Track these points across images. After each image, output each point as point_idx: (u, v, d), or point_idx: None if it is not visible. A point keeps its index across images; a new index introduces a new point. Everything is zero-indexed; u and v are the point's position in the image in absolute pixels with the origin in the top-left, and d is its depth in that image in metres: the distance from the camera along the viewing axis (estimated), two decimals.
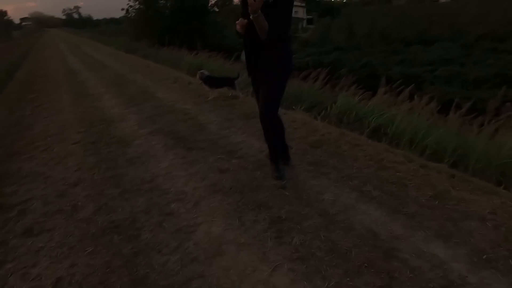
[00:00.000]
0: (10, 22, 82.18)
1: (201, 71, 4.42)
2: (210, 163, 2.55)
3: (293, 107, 4.15)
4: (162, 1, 18.59)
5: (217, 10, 19.47)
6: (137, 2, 18.50)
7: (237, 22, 1.89)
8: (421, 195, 1.91)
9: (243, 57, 2.13)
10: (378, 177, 2.16)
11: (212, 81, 4.33)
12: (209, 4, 19.20)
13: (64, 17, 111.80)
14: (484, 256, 1.45)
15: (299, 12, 50.94)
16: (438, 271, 1.39)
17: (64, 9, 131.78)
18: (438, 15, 30.80)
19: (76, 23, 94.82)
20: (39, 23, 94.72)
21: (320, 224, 1.74)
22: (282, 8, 1.85)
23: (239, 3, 2.06)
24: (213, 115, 3.73)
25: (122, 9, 19.31)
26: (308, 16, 50.77)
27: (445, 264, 1.42)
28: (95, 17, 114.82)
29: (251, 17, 1.75)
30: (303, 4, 54.04)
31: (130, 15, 19.28)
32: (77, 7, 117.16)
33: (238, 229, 1.77)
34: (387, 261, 1.47)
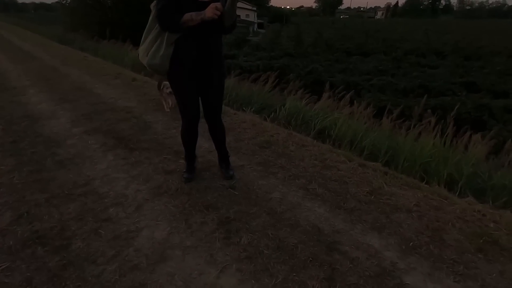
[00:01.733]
0: None
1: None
2: (155, 164, 2.40)
3: (244, 108, 4.18)
4: None
5: None
6: None
7: (212, 5, 1.63)
8: (359, 191, 2.07)
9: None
10: (322, 176, 2.28)
11: None
12: None
13: None
14: (411, 244, 1.62)
15: (250, 15, 51.88)
16: (373, 260, 1.51)
17: None
18: (373, 30, 34.31)
19: None
20: None
21: (268, 222, 1.76)
22: None
23: None
24: (159, 114, 3.54)
25: None
26: (259, 21, 51.92)
27: (379, 253, 1.55)
28: (20, 0, 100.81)
29: None
30: (254, 8, 55.21)
31: (65, 1, 17.39)
32: None
33: (184, 232, 1.69)
34: (330, 254, 1.54)
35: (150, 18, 1.81)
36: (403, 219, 1.81)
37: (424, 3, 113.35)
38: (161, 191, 2.06)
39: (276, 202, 1.94)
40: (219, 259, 1.51)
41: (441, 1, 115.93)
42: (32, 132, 3.01)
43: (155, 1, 1.76)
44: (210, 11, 1.62)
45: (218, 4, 1.64)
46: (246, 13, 52.31)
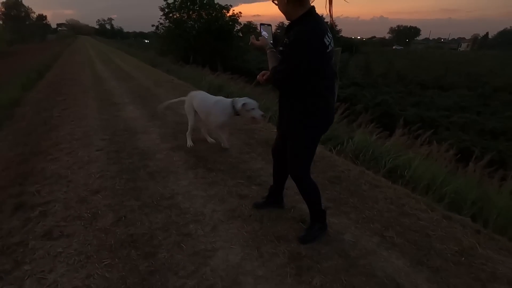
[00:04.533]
0: (47, 26, 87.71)
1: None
2: (229, 187, 2.56)
3: None
4: (191, 22, 19.67)
5: (241, 35, 20.36)
6: (167, 21, 19.63)
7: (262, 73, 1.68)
8: (446, 249, 1.86)
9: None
10: (400, 223, 2.12)
11: None
12: (234, 30, 20.18)
13: (97, 27, 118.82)
14: None
15: None
16: None
17: (98, 19, 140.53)
18: (455, 63, 31.35)
19: (106, 33, 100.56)
20: (73, 30, 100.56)
21: (340, 266, 1.70)
22: (287, 53, 1.52)
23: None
24: (233, 138, 3.79)
25: (153, 25, 20.47)
26: None
27: None
28: (125, 30, 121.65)
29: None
30: None
31: (159, 31, 20.37)
32: (110, 19, 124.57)
33: (256, 260, 1.74)
34: None
35: None
36: None
37: None
38: (235, 214, 2.18)
39: (349, 245, 1.88)
40: None
41: None
42: (130, 144, 3.52)
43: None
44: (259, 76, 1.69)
45: (265, 72, 1.66)
46: None
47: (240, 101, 2.87)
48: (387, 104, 13.40)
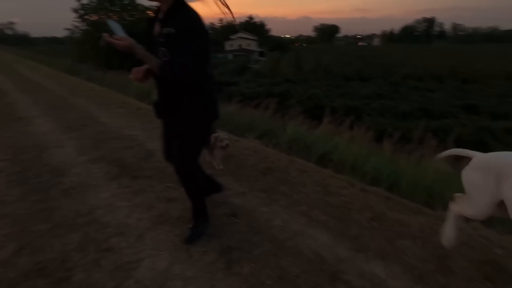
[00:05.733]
0: None
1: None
2: (158, 192, 2.42)
3: (246, 134, 4.25)
4: None
5: None
6: (84, 24, 17.80)
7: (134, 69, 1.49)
8: (362, 218, 2.06)
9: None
10: (325, 202, 2.27)
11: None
12: None
13: None
14: (417, 272, 1.59)
15: (251, 45, 54.16)
16: None
17: None
18: (371, 56, 35.41)
19: (7, 39, 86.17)
20: None
21: (270, 251, 1.74)
22: (182, 40, 1.40)
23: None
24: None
25: (66, 29, 18.37)
26: (260, 49, 54.05)
27: (384, 283, 1.52)
28: (33, 35, 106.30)
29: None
30: (255, 38, 57.72)
31: (74, 35, 18.37)
32: (11, 23, 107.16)
33: (186, 262, 1.67)
34: (333, 284, 1.51)
35: None
36: (407, 246, 1.79)
37: (419, 29, 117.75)
38: (163, 219, 2.06)
39: (279, 230, 1.93)
40: None
41: (435, 28, 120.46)
42: (39, 161, 3.07)
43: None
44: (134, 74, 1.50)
45: (134, 69, 1.49)
46: (247, 42, 54.68)
47: None
48: (318, 97, 14.41)
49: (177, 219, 2.05)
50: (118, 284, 1.53)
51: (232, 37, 56.83)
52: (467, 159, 1.44)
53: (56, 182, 2.63)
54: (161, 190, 2.46)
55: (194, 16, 1.42)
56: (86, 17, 17.60)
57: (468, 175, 1.39)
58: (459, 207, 1.49)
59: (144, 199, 2.33)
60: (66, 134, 3.97)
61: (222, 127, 4.57)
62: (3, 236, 1.92)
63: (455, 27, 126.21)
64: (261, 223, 2.01)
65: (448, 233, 1.55)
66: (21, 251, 1.79)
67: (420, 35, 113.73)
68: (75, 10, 17.47)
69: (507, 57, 34.53)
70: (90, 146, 3.46)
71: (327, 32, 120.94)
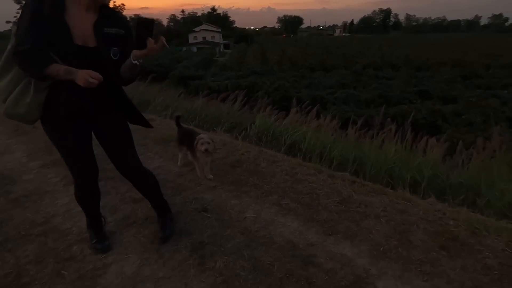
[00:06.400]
0: None
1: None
2: (122, 193, 2.30)
3: (214, 128, 4.19)
4: None
5: None
6: None
7: (84, 73, 1.22)
8: (330, 202, 2.13)
9: None
10: (294, 190, 2.31)
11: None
12: None
13: None
14: (381, 249, 1.68)
15: (216, 37, 53.13)
16: (348, 269, 1.54)
17: None
18: (333, 47, 36.53)
19: None
20: None
21: (242, 243, 1.74)
22: (129, 40, 1.42)
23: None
24: None
25: (8, 22, 16.60)
26: (225, 41, 53.25)
27: (352, 262, 1.59)
28: None
29: (136, 62, 1.35)
30: (219, 30, 56.69)
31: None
32: None
33: (156, 262, 1.61)
34: (306, 268, 1.55)
35: (8, 47, 1.31)
36: (372, 225, 1.88)
37: (377, 20, 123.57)
38: (130, 221, 1.96)
39: (250, 221, 1.93)
40: (194, 287, 1.45)
41: (391, 18, 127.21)
42: None
43: (14, 25, 1.32)
44: (82, 80, 1.21)
45: (93, 73, 1.23)
46: (211, 34, 53.52)
47: None
48: (284, 88, 14.58)
49: (145, 219, 1.97)
50: None
51: (195, 29, 55.19)
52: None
53: (4, 191, 2.39)
54: (125, 191, 2.33)
55: (123, 15, 1.50)
56: None
57: None
58: None
59: (107, 201, 2.20)
60: (13, 138, 3.61)
61: (190, 122, 4.46)
62: None
63: (408, 17, 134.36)
64: (232, 216, 2.00)
65: None
66: None
67: (378, 25, 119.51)
68: (18, 1, 15.80)
69: (453, 45, 37.71)
70: (43, 150, 3.18)
71: (291, 23, 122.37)
